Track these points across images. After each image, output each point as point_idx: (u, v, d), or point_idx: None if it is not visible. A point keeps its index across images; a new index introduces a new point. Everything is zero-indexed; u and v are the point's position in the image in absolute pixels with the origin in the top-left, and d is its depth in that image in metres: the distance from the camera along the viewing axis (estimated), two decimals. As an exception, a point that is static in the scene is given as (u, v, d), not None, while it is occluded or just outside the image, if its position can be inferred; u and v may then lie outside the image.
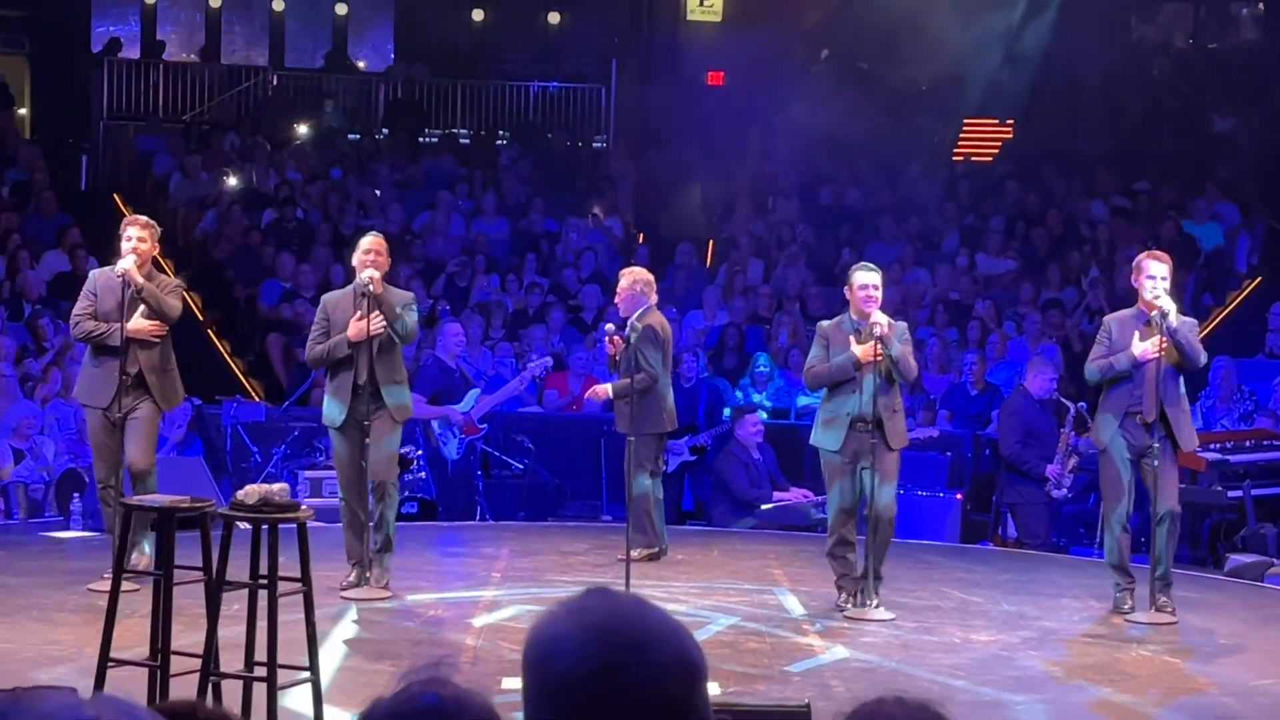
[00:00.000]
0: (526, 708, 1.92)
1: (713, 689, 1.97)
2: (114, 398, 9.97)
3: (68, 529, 12.31)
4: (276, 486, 7.18)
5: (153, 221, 10.36)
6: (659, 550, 11.51)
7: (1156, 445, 9.72)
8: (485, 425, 14.07)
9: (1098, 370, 10.06)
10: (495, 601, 9.98)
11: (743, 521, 13.50)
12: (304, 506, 7.48)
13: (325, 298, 10.54)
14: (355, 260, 10.17)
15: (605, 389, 11.60)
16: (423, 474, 13.55)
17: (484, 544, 12.21)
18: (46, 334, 15.26)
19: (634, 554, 11.08)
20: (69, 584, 9.94)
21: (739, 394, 15.35)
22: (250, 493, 7.11)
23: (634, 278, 11.64)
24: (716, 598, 10.30)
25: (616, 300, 11.69)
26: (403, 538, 10.72)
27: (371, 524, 10.03)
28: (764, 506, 13.54)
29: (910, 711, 2.25)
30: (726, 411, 14.67)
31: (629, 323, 11.20)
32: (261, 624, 6.91)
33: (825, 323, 10.30)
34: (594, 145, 23.42)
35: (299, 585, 7.11)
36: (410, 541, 11.50)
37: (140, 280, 9.90)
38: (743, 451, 13.66)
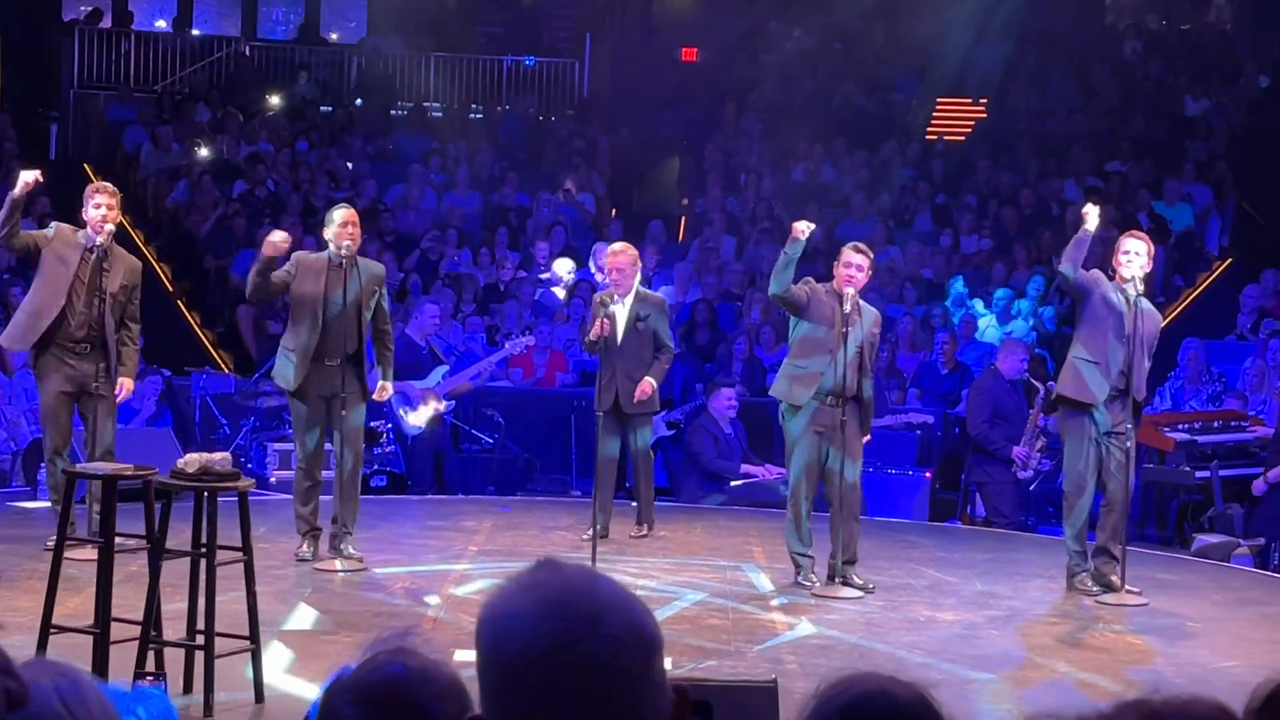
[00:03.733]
0: (482, 685, 1.90)
1: (666, 664, 1.96)
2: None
3: (35, 499, 12.26)
4: (218, 455, 7.17)
5: (116, 189, 10.29)
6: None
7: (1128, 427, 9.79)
8: (452, 402, 14.00)
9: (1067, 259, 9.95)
10: (465, 575, 9.97)
11: (712, 497, 13.49)
12: (244, 476, 7.45)
13: (298, 254, 10.31)
14: (329, 233, 10.11)
15: (652, 383, 11.22)
16: (390, 448, 13.52)
17: (465, 518, 12.15)
18: (15, 304, 15.14)
19: (640, 531, 11.32)
20: (36, 553, 9.90)
21: None
22: (191, 461, 7.10)
23: (632, 254, 11.45)
24: (688, 574, 10.29)
25: (614, 276, 11.26)
26: (382, 510, 10.66)
27: (335, 490, 10.01)
28: (733, 483, 13.53)
29: (885, 683, 2.24)
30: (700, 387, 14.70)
31: (629, 299, 11.17)
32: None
33: (814, 281, 10.27)
34: (567, 119, 23.36)
35: (240, 554, 7.11)
36: (391, 514, 11.46)
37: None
38: (714, 425, 13.66)
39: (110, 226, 9.92)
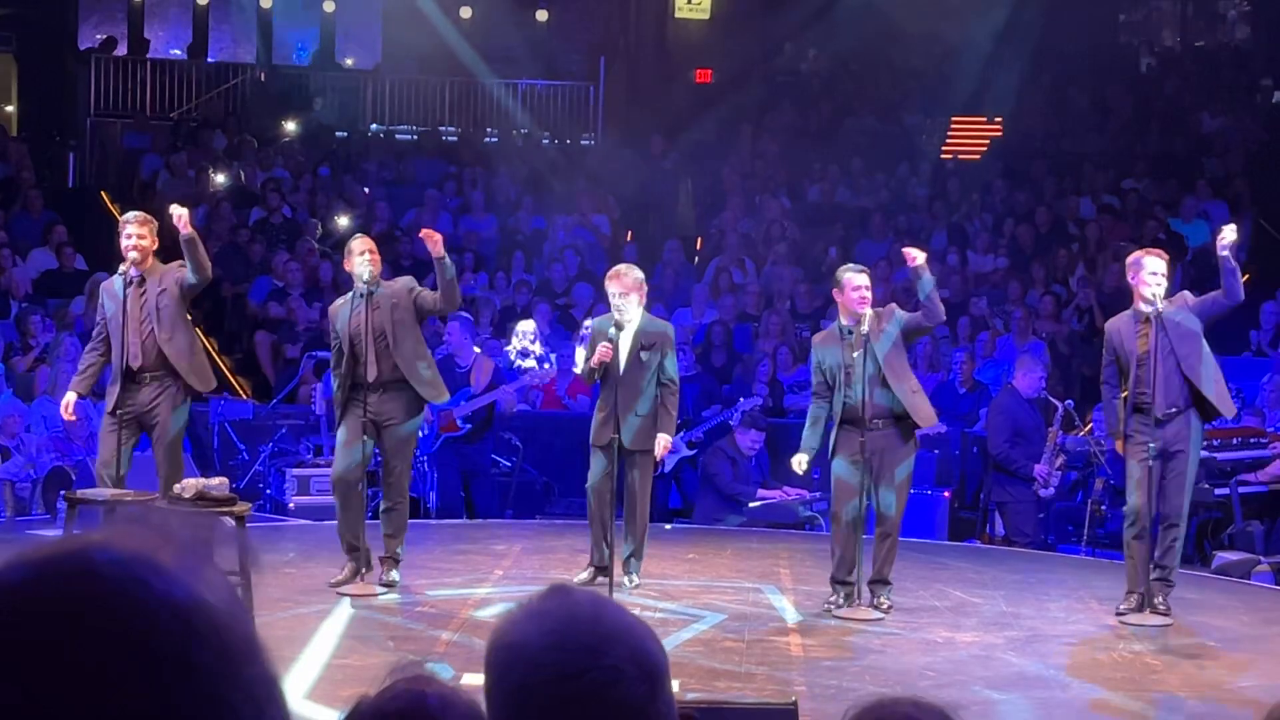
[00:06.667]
0: (489, 711, 1.92)
1: (675, 687, 1.98)
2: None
3: (54, 527, 12.28)
4: (215, 480, 7.22)
5: (150, 217, 10.31)
6: None
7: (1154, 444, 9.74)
8: (466, 425, 13.73)
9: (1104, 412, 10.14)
10: (486, 599, 9.94)
11: (730, 519, 13.47)
12: (242, 501, 7.48)
13: (331, 309, 10.42)
14: (348, 266, 10.13)
15: (668, 440, 10.37)
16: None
17: (496, 541, 12.12)
18: (34, 331, 15.22)
19: (635, 582, 10.48)
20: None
21: None
22: (187, 486, 7.14)
23: (636, 276, 10.38)
24: (711, 596, 10.28)
25: (628, 301, 10.17)
26: (412, 533, 10.55)
27: (382, 518, 10.02)
28: (751, 505, 13.52)
29: (914, 711, 2.24)
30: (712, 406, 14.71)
31: (632, 326, 10.21)
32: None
33: (817, 336, 10.22)
34: (582, 143, 23.40)
35: (238, 579, 7.12)
36: (419, 537, 11.40)
37: (189, 230, 9.94)
38: (734, 450, 13.64)
39: (135, 254, 9.92)
